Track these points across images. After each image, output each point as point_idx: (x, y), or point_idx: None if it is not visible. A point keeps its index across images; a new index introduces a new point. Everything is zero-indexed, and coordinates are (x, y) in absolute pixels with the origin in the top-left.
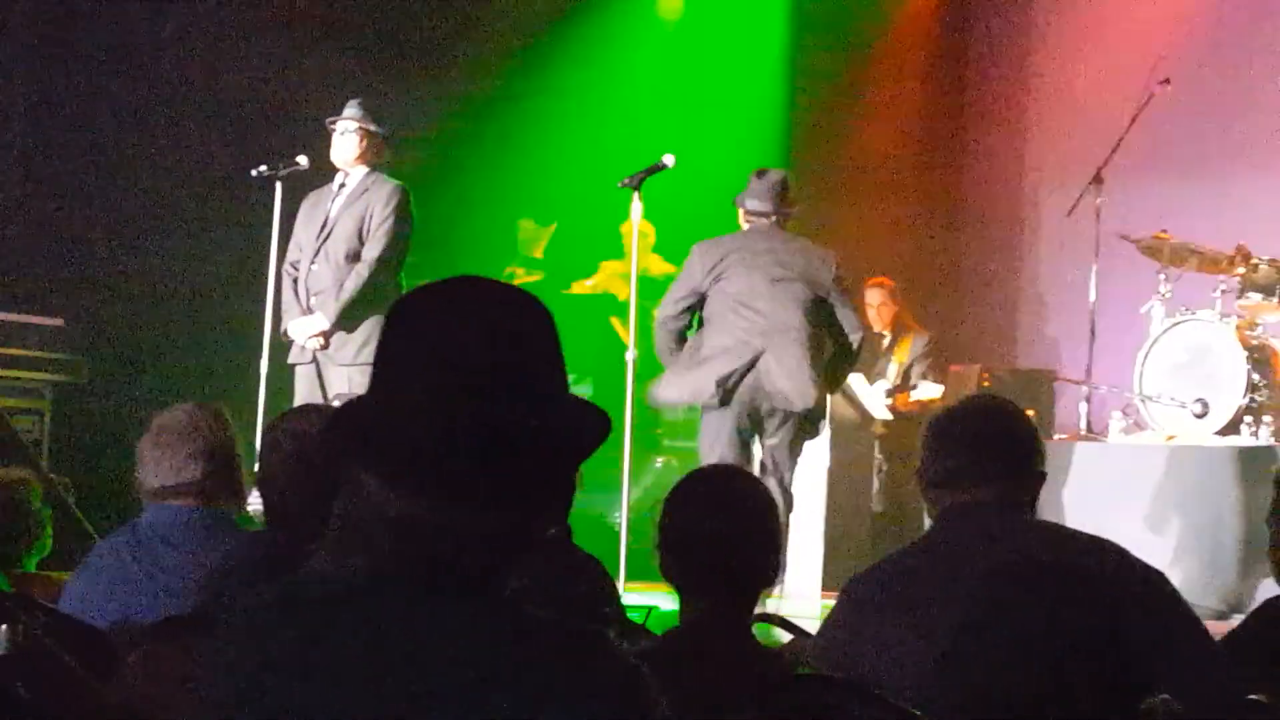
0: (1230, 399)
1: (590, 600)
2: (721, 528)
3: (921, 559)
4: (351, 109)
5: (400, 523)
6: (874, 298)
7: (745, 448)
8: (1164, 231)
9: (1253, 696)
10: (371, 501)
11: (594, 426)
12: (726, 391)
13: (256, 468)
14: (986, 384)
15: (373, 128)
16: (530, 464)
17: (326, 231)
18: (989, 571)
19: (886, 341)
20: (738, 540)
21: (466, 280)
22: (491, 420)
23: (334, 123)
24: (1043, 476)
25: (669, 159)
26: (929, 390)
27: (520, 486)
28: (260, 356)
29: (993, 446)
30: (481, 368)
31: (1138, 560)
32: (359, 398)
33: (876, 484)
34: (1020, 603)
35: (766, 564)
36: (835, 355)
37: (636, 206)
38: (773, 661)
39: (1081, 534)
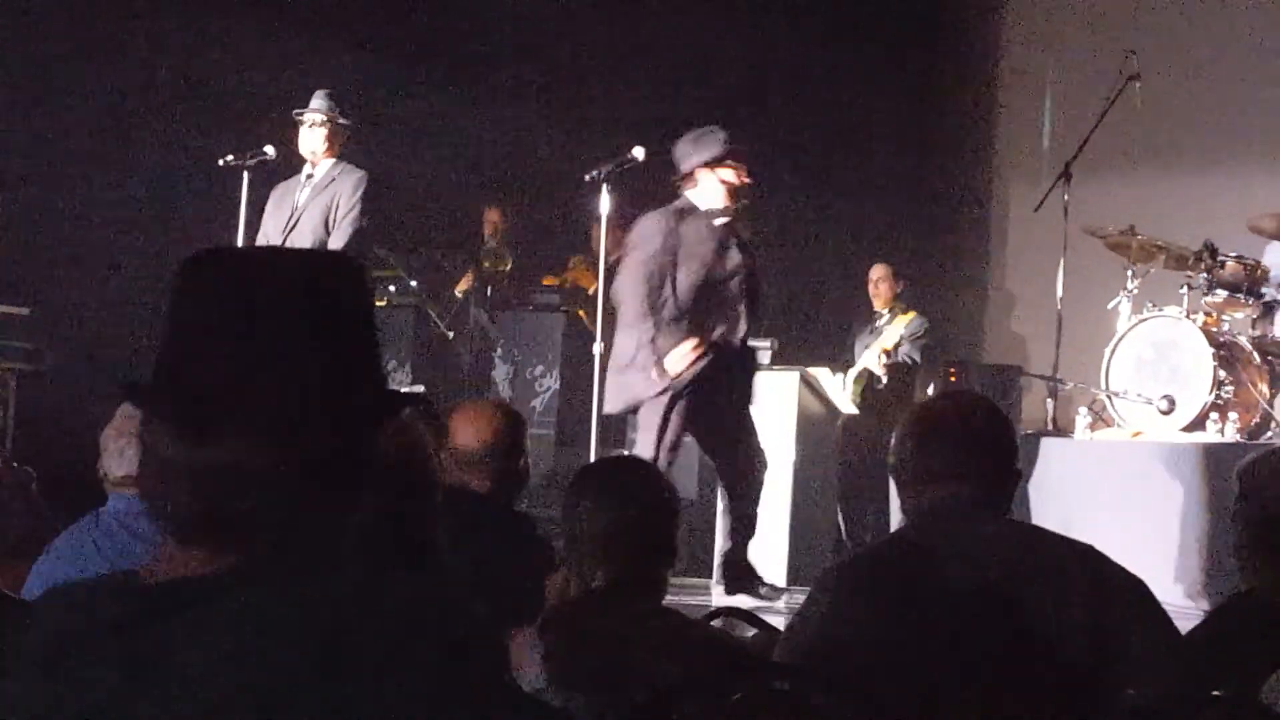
0: (1197, 396)
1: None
2: (609, 512)
3: (898, 553)
4: (318, 100)
5: (194, 473)
6: (875, 273)
7: None
8: (1131, 228)
9: (1216, 693)
10: (171, 462)
11: (385, 395)
12: None
13: None
14: (953, 379)
15: (340, 119)
16: (307, 406)
17: (293, 222)
18: (965, 569)
19: (883, 319)
20: (626, 522)
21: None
22: (267, 364)
23: (301, 114)
24: (1019, 474)
25: (639, 151)
26: (891, 335)
27: (303, 429)
28: None
29: (972, 444)
30: (258, 321)
31: (1118, 566)
32: (156, 360)
33: (841, 477)
34: (996, 600)
35: (661, 542)
36: None
37: (605, 199)
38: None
39: (1061, 536)
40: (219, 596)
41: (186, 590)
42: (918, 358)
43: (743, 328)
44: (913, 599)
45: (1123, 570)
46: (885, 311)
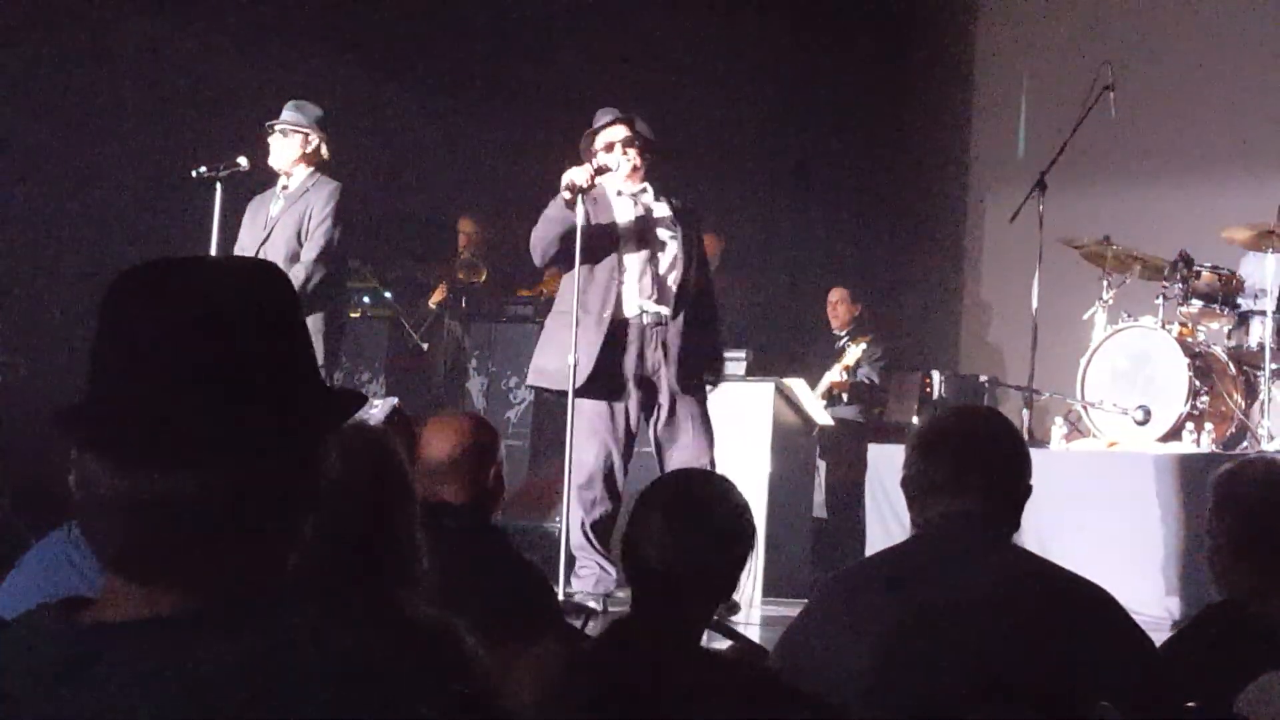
0: (1172, 406)
1: (526, 606)
2: (688, 547)
3: (894, 565)
4: (289, 112)
5: (127, 505)
6: (833, 296)
7: None
8: (1107, 238)
9: (1190, 704)
10: (104, 494)
11: (325, 404)
12: None
13: None
14: (928, 390)
15: (310, 130)
16: (245, 428)
17: (266, 234)
18: (956, 586)
19: (841, 341)
20: (701, 552)
21: (184, 258)
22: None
23: (272, 126)
24: (1029, 489)
25: (614, 162)
26: (852, 354)
27: (236, 452)
28: None
29: (974, 458)
30: (194, 335)
31: (1119, 610)
32: (86, 389)
33: (817, 489)
34: (981, 619)
35: (727, 577)
36: None
37: (580, 210)
38: (723, 670)
39: (1057, 568)
40: (152, 645)
41: (120, 635)
42: (876, 379)
43: (639, 297)
44: (901, 612)
45: (1127, 619)
46: (843, 333)
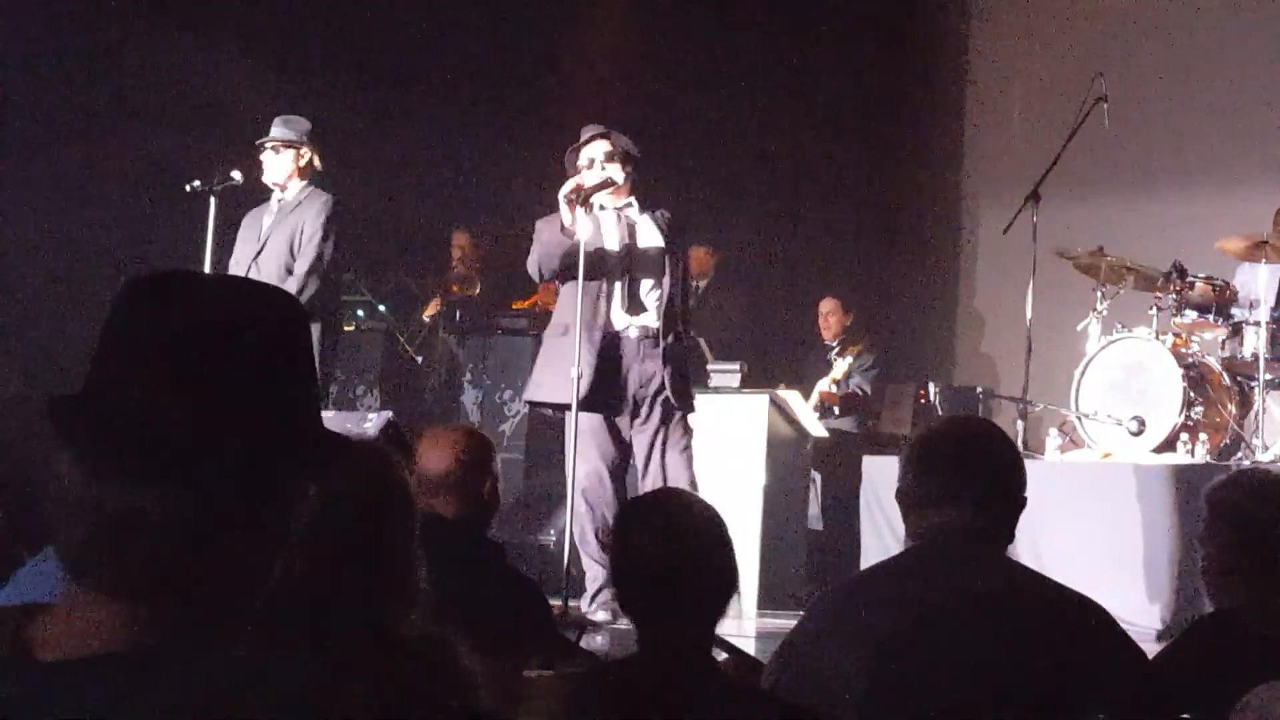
0: (1166, 417)
1: (522, 620)
2: (674, 556)
3: (889, 577)
4: (279, 128)
5: (99, 513)
6: (824, 306)
7: None
8: (1100, 249)
9: (1184, 716)
10: (78, 497)
11: (319, 445)
12: None
13: None
14: (923, 401)
15: (302, 143)
16: (224, 451)
17: (259, 247)
18: (954, 602)
19: (833, 353)
20: (691, 568)
21: (190, 273)
22: (186, 403)
23: (264, 143)
24: (1024, 501)
25: (617, 175)
26: (839, 366)
27: (214, 474)
28: None
29: (968, 469)
30: (188, 352)
31: (1114, 625)
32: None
33: (812, 501)
34: (977, 638)
35: (723, 590)
36: None
37: (583, 221)
38: (742, 690)
39: (1054, 583)
40: (111, 682)
41: (78, 673)
42: (868, 389)
43: (620, 310)
44: (896, 624)
45: (1121, 633)
46: (835, 344)
